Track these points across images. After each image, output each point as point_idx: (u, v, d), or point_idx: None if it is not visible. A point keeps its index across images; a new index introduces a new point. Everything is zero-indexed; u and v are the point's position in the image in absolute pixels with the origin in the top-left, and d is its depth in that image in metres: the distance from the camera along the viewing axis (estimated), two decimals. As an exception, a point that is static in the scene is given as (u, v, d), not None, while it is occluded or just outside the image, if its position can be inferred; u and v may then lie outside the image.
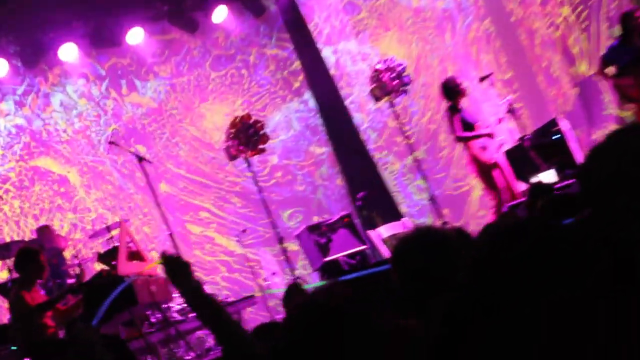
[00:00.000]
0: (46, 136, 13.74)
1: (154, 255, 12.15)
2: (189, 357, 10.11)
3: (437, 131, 14.35)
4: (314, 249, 11.60)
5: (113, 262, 9.58)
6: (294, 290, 3.51)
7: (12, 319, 8.60)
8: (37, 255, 8.41)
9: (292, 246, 12.92)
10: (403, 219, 12.15)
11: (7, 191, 13.18)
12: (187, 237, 14.00)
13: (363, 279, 8.61)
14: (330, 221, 11.89)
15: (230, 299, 12.11)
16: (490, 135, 10.78)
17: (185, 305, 10.68)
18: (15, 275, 8.93)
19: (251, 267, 13.11)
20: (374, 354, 1.76)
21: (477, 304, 1.83)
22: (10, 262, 9.75)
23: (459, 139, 10.98)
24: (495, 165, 10.72)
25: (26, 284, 8.36)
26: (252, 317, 12.57)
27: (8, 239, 12.38)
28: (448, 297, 1.97)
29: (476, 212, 14.04)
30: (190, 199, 14.49)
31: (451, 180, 14.42)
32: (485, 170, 10.76)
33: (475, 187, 13.51)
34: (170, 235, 10.38)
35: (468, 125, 10.81)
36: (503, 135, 11.19)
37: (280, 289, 10.63)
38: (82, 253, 12.75)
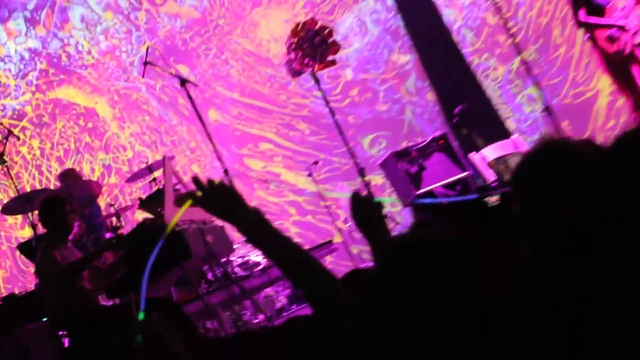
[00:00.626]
0: (66, 60, 13.81)
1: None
2: (258, 320, 10.13)
3: (549, 25, 14.08)
4: (403, 180, 11.48)
5: (158, 209, 9.58)
6: (358, 198, 3.53)
7: (41, 283, 8.68)
8: (64, 204, 8.43)
9: (377, 179, 12.88)
10: (512, 137, 11.97)
11: (23, 129, 13.30)
12: (246, 175, 14.02)
13: (463, 205, 8.54)
14: (421, 145, 11.74)
15: (305, 248, 12.12)
16: (622, 27, 10.55)
17: (249, 257, 10.74)
18: (41, 231, 9.01)
19: (327, 207, 13.09)
20: (462, 284, 1.87)
21: (607, 215, 1.98)
22: (33, 216, 9.83)
23: (581, 25, 10.76)
24: (631, 59, 10.50)
25: (55, 241, 8.39)
26: (332, 268, 12.58)
27: (29, 188, 12.51)
28: (568, 211, 2.16)
29: (604, 123, 13.82)
30: (247, 128, 14.48)
31: (571, 85, 14.16)
32: (618, 65, 10.55)
33: (602, 91, 13.28)
34: (225, 172, 10.34)
35: (595, 9, 10.58)
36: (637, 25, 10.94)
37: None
38: (119, 200, 12.88)
